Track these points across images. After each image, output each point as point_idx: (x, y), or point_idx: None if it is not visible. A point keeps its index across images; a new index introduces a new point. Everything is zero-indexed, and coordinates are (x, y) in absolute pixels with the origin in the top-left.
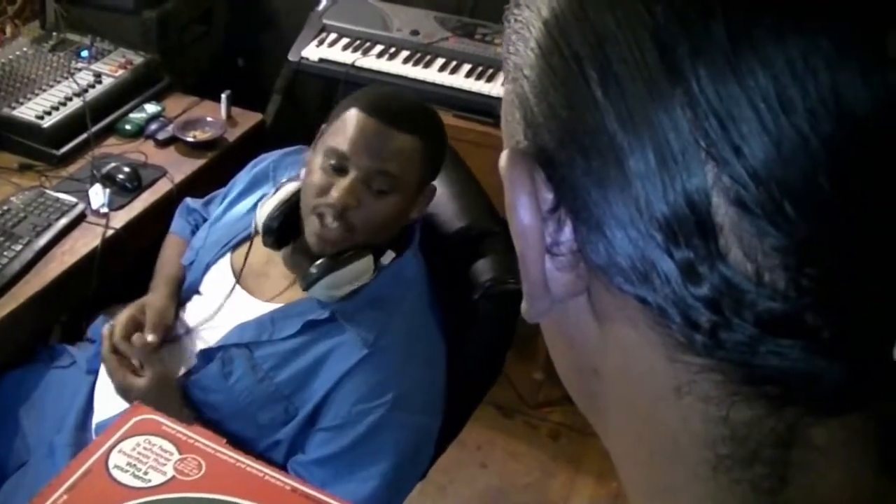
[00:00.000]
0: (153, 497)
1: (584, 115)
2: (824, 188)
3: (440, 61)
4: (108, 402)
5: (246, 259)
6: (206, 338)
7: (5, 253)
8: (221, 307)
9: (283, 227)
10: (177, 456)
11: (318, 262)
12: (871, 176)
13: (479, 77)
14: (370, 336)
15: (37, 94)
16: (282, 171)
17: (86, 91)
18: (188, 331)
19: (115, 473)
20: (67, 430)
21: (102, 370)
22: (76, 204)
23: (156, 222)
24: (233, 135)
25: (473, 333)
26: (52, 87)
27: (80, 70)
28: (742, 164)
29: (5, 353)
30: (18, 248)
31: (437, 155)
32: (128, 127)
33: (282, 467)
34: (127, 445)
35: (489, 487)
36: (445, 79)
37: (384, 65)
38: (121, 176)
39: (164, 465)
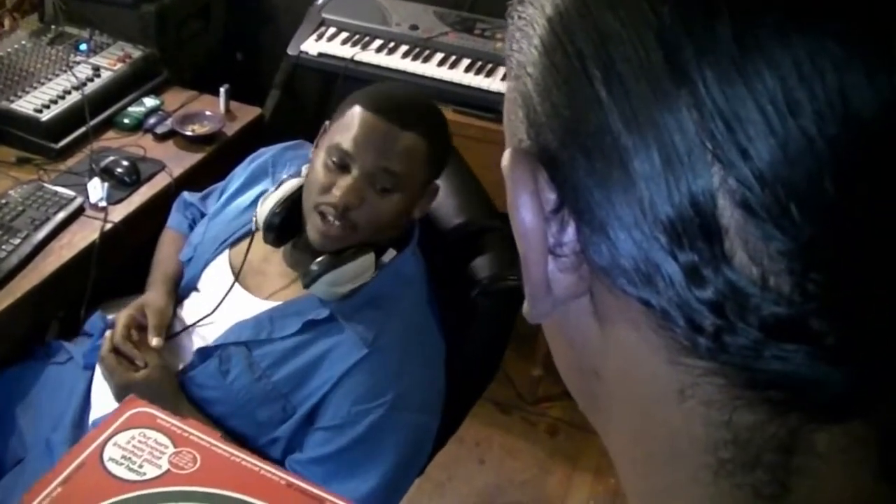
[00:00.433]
0: (148, 490)
1: (588, 115)
2: (830, 192)
3: (439, 56)
4: (104, 398)
5: (246, 256)
6: (204, 335)
7: (3, 247)
8: (220, 306)
9: (284, 225)
10: (172, 449)
11: (320, 258)
12: (877, 179)
13: (478, 72)
14: (369, 336)
15: (35, 88)
16: (281, 166)
17: (84, 85)
18: (186, 328)
19: (110, 466)
20: (64, 427)
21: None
22: (74, 198)
23: (154, 216)
24: (231, 129)
25: (472, 330)
26: (50, 80)
27: (78, 63)
28: (748, 167)
29: (3, 348)
30: (17, 241)
31: (441, 153)
32: (126, 121)
33: (279, 464)
34: (122, 438)
35: (487, 484)
36: (445, 73)
37: (383, 59)
38: (119, 170)
39: (159, 458)
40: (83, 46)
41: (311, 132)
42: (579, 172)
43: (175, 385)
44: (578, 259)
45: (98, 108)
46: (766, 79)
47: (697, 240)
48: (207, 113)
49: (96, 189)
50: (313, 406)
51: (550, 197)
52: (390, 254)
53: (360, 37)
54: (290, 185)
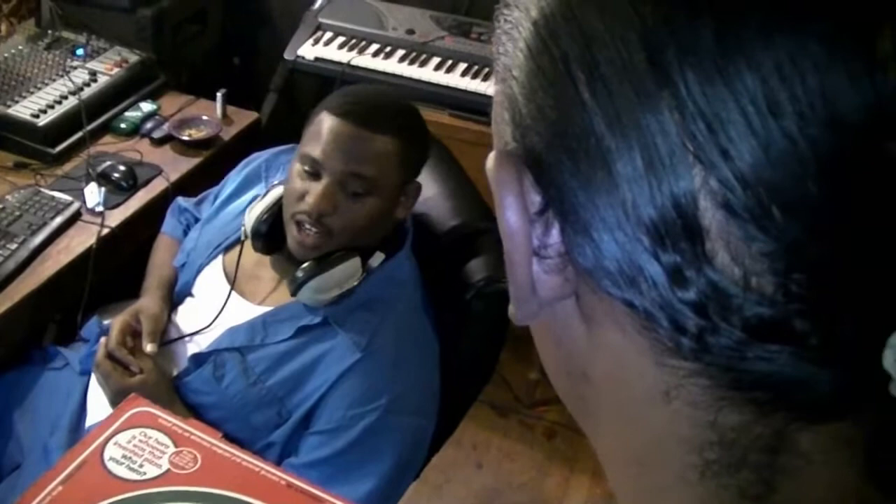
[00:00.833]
0: (148, 490)
1: (572, 117)
2: (812, 192)
3: (436, 60)
4: (101, 404)
5: (238, 263)
6: (198, 341)
7: (0, 252)
8: (215, 313)
9: (272, 232)
10: (172, 449)
11: (305, 265)
12: (859, 181)
13: (474, 76)
14: (363, 340)
15: (32, 93)
16: (274, 170)
17: (81, 89)
18: (180, 334)
19: (111, 466)
20: (61, 432)
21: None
22: (71, 202)
23: (151, 221)
24: (228, 133)
25: (467, 332)
26: (47, 85)
27: (75, 68)
28: (729, 168)
29: (0, 353)
30: (13, 246)
31: (417, 153)
32: (123, 125)
33: None
34: (122, 438)
35: (484, 487)
36: (441, 78)
37: (380, 64)
38: (116, 174)
39: (160, 458)
40: (80, 51)
41: None
42: (564, 174)
43: (170, 391)
44: (563, 261)
45: (95, 113)
46: (747, 79)
47: (680, 241)
48: (204, 117)
49: (93, 194)
50: (308, 410)
51: (535, 199)
52: (378, 257)
53: (357, 41)
54: (277, 192)
